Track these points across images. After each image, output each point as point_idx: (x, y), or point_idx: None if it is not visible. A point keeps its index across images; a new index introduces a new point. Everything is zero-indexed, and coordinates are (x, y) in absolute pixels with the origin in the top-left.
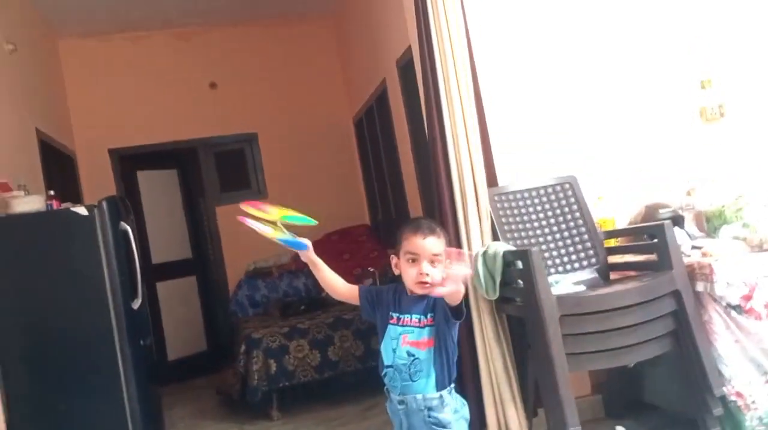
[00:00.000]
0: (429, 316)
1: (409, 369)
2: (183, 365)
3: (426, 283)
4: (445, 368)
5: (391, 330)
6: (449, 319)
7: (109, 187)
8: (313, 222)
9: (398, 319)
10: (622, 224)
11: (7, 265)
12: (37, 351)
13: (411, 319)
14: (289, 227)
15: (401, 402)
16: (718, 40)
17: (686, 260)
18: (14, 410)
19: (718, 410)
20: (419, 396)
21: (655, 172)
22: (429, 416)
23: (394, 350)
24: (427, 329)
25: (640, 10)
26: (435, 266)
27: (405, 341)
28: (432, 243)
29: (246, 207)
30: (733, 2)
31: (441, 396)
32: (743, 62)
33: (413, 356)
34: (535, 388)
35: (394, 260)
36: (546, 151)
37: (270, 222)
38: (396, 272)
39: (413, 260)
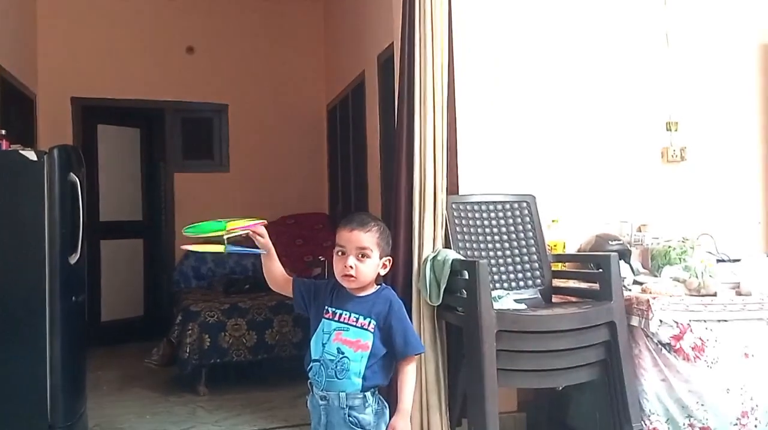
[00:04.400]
0: (371, 322)
1: (336, 366)
2: (115, 328)
3: (351, 276)
4: (377, 375)
5: (325, 325)
6: (394, 355)
7: (66, 136)
8: (262, 221)
9: (334, 314)
10: (572, 249)
11: None
12: None
13: (349, 317)
14: (236, 242)
15: (323, 398)
16: (688, 85)
17: (626, 294)
18: None
19: None
20: (342, 394)
21: (611, 204)
22: (349, 415)
23: (323, 345)
24: (366, 333)
25: (620, 43)
26: (363, 261)
27: (337, 338)
28: (359, 236)
29: (188, 246)
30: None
31: (364, 396)
32: (707, 109)
33: (342, 354)
34: (463, 398)
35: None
36: (510, 167)
37: (216, 241)
38: None
39: (342, 253)
